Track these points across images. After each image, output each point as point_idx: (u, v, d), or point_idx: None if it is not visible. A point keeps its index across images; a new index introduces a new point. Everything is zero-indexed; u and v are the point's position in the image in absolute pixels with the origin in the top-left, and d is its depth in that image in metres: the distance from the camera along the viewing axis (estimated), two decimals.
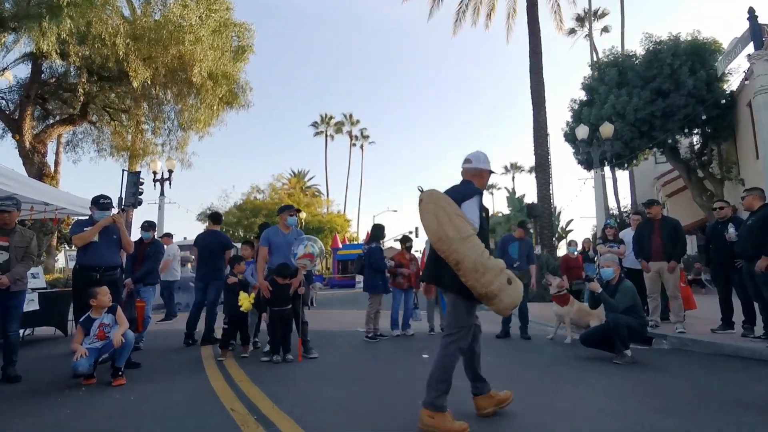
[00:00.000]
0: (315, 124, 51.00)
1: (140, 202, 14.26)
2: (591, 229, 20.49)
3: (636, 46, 19.15)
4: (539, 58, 15.90)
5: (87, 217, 5.08)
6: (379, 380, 4.10)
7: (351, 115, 51.87)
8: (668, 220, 6.31)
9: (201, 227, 35.00)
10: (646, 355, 5.01)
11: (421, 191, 2.83)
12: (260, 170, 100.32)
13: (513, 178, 57.43)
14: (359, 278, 25.93)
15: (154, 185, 16.55)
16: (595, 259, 7.25)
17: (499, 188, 57.86)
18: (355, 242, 35.15)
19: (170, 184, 16.51)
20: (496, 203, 56.55)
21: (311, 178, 49.86)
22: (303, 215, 29.91)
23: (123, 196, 15.94)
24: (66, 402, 3.49)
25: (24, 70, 16.80)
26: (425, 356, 5.04)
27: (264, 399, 3.43)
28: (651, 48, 14.80)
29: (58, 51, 13.67)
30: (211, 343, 5.89)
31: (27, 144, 15.44)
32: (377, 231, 6.83)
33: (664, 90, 13.80)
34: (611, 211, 21.24)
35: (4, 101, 17.13)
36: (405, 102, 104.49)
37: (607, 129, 12.84)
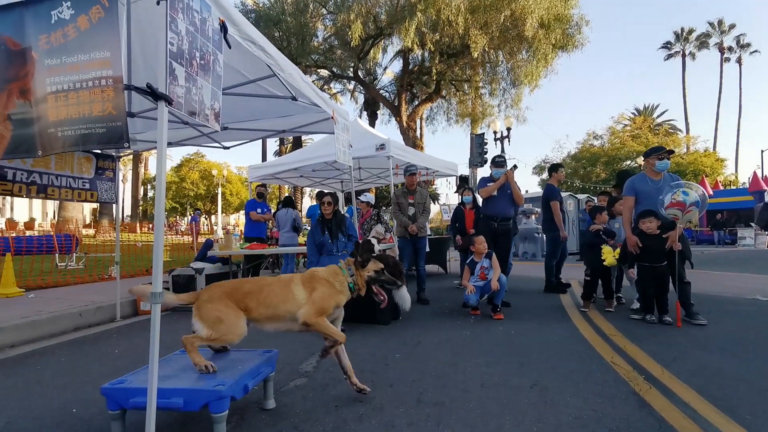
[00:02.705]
0: (667, 45, 41.77)
1: (485, 161, 15.74)
2: None
3: None
4: None
5: (489, 175, 5.96)
6: None
7: (721, 22, 39.40)
8: None
9: (536, 180, 35.81)
10: None
11: None
12: (597, 114, 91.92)
13: None
14: (743, 233, 19.92)
15: (495, 144, 17.93)
16: None
17: None
18: (733, 187, 27.12)
19: (509, 141, 17.45)
20: None
21: (662, 113, 41.45)
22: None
23: (471, 157, 18.01)
24: (464, 325, 4.38)
25: (397, 66, 21.62)
26: None
27: (648, 359, 3.18)
28: None
29: (417, 43, 16.64)
30: (553, 291, 6.12)
31: (404, 123, 19.87)
32: None
33: None
34: None
35: (387, 93, 22.67)
36: None
37: None
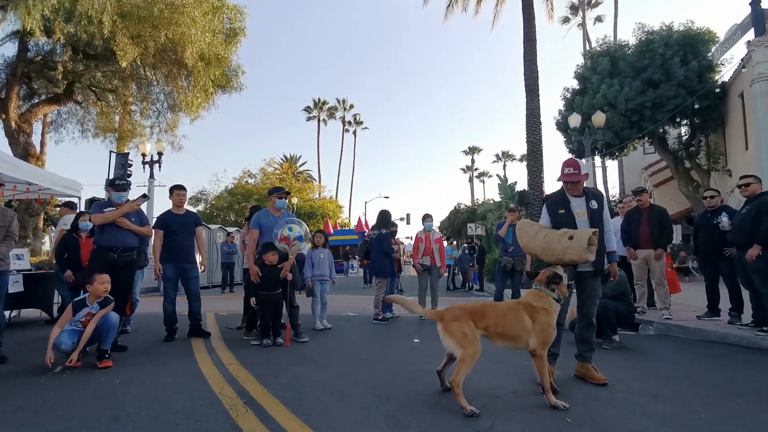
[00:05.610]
0: (308, 109, 50.36)
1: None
2: None
3: (629, 36, 18.86)
4: (533, 45, 15.69)
5: (107, 199, 4.95)
6: (371, 364, 4.10)
7: (344, 101, 51.33)
8: (655, 208, 6.32)
9: (195, 210, 34.71)
10: (632, 340, 5.07)
11: None
12: (252, 154, 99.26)
13: (504, 166, 57.65)
14: (352, 263, 25.91)
15: (143, 168, 16.19)
16: None
17: (490, 176, 58.17)
18: (347, 228, 35.04)
19: (160, 167, 16.13)
20: (488, 191, 56.64)
21: (303, 164, 49.36)
22: (295, 200, 29.73)
23: (111, 177, 15.65)
24: (51, 384, 3.44)
25: (11, 49, 16.29)
26: (416, 341, 5.05)
27: (253, 382, 3.41)
28: (643, 38, 14.77)
29: (43, 28, 13.25)
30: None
31: (12, 123, 15.06)
32: (385, 217, 7.04)
33: (655, 80, 13.81)
34: None
35: None
36: (398, 89, 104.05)
37: (598, 118, 12.93)
